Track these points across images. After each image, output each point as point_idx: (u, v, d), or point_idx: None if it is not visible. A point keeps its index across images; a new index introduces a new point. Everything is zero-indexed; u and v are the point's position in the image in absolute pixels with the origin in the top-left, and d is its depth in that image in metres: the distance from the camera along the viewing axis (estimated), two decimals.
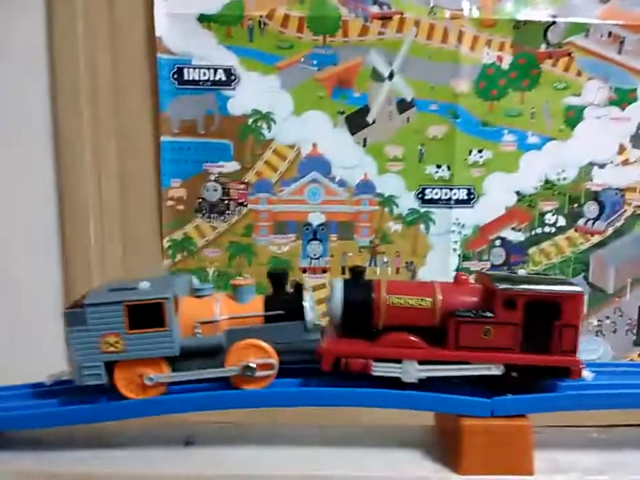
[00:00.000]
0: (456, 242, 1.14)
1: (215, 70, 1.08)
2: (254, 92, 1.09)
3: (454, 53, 1.08)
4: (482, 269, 1.14)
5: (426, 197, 1.13)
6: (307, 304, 0.59)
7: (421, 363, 0.57)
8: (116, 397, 0.59)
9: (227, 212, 1.13)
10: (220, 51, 1.07)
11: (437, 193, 1.13)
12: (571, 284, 0.59)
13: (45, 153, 1.08)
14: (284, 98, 1.09)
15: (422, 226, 1.14)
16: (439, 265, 1.14)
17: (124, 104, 1.08)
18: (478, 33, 1.08)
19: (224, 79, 1.08)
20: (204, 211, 1.12)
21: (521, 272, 0.64)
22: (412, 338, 0.57)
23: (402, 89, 1.10)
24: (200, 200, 1.12)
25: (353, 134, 1.11)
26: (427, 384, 0.58)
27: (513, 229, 1.14)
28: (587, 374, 0.59)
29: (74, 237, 1.10)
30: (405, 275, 1.15)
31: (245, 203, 1.13)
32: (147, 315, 0.55)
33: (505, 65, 1.09)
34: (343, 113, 1.10)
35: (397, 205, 1.13)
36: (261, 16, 1.06)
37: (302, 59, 1.08)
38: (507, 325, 0.55)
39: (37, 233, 1.10)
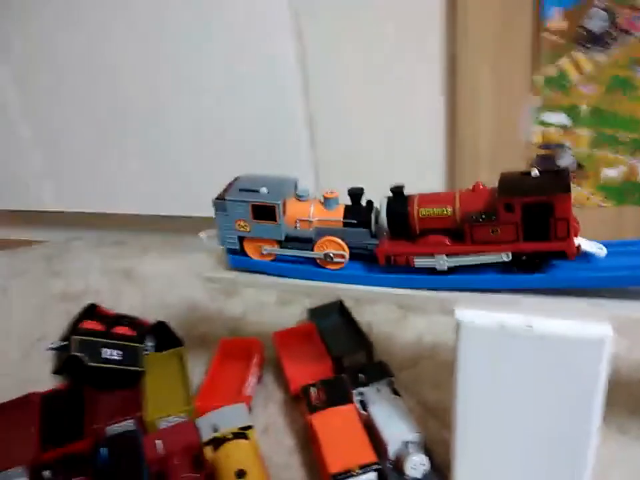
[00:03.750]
0: None
1: None
2: None
3: None
4: None
5: None
6: (372, 216, 0.79)
7: (448, 255, 0.73)
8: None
9: (610, 42, 1.03)
10: None
11: None
12: (564, 182, 0.66)
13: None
14: None
15: None
16: None
17: None
18: None
19: None
20: (584, 43, 1.04)
21: (534, 172, 0.72)
22: (440, 238, 0.73)
23: None
24: (582, 30, 1.03)
25: None
26: (454, 271, 0.74)
27: None
28: (598, 251, 0.69)
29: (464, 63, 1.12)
30: None
31: (632, 32, 1.02)
32: (264, 212, 0.79)
33: None
34: None
35: None
36: None
37: None
38: (509, 223, 0.68)
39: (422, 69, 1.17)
